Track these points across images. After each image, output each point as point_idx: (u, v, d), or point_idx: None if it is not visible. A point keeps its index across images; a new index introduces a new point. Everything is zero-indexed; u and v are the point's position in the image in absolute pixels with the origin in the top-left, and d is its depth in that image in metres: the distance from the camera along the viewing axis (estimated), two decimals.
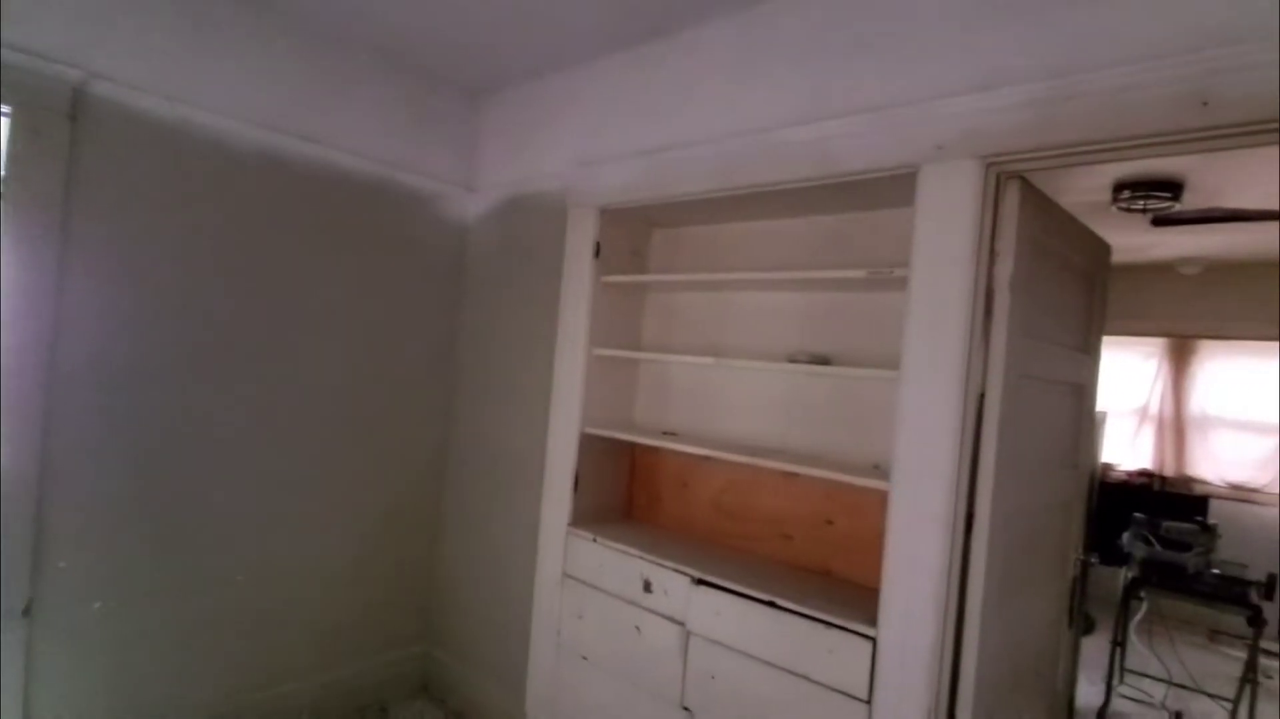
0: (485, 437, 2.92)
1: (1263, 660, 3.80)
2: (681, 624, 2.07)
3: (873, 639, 1.71)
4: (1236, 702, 2.93)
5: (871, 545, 1.77)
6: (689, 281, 2.39)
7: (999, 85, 1.55)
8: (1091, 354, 2.14)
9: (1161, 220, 3.53)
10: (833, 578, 2.11)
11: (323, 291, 2.59)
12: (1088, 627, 3.90)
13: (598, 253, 2.45)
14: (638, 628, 2.18)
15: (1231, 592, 2.91)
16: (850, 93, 1.82)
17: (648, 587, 2.16)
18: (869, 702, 1.71)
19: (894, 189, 1.79)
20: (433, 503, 3.05)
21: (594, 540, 2.35)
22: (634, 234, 2.60)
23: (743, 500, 2.37)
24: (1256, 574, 3.00)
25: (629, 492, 2.69)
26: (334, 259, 2.61)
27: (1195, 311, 4.66)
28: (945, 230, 1.61)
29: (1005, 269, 1.60)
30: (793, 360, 2.12)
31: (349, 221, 2.64)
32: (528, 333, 2.73)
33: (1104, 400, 4.84)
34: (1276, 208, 3.36)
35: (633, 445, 2.65)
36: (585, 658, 2.35)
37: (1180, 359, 4.84)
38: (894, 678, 1.67)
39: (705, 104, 2.16)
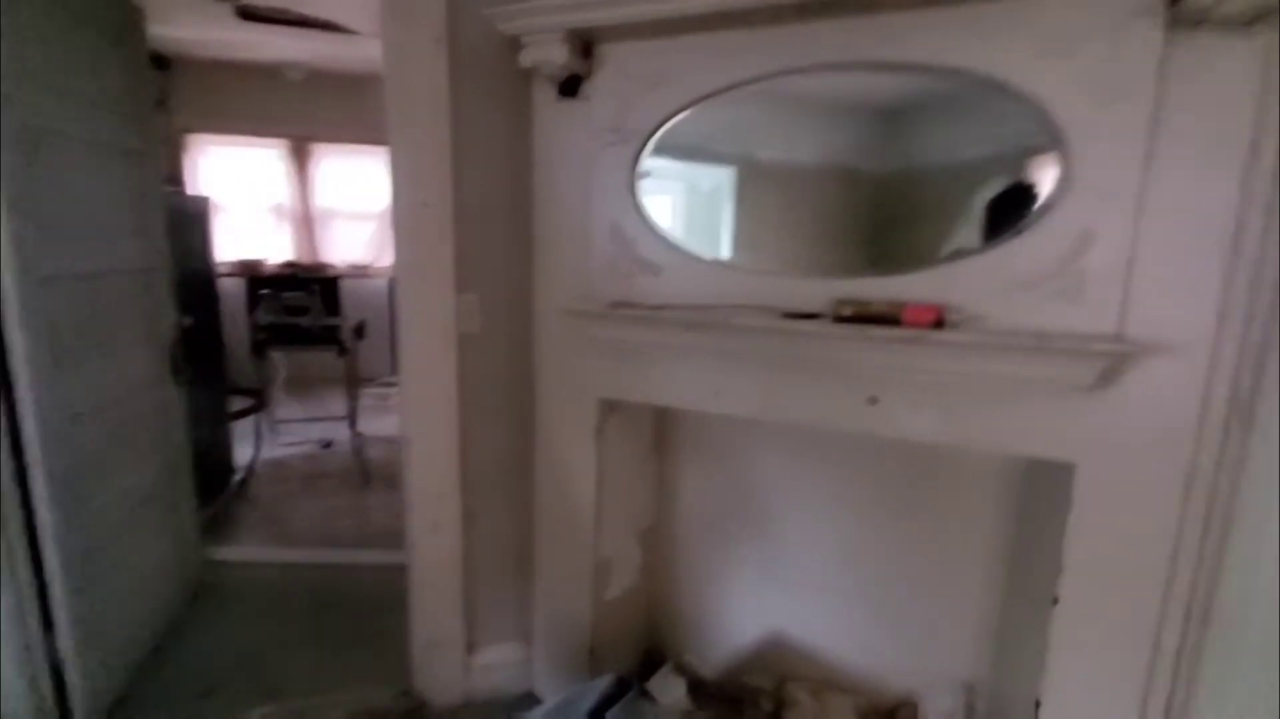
0: None
1: (378, 390, 5.17)
2: None
3: None
4: (350, 415, 3.92)
5: None
6: None
7: None
8: (141, 121, 2.18)
9: (246, 14, 3.76)
10: None
11: None
12: (260, 404, 4.41)
13: None
14: None
15: (329, 337, 3.77)
16: None
17: None
18: None
19: None
20: None
21: None
22: None
23: None
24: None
25: None
26: None
27: (306, 115, 5.35)
28: None
29: None
30: None
31: None
32: None
33: (237, 196, 5.23)
34: (341, 22, 4.03)
35: None
36: None
37: (302, 159, 5.55)
38: None
39: None
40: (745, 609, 2.12)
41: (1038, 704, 1.45)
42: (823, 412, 1.54)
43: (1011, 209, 1.34)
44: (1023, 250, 1.29)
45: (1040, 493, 1.58)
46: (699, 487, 2.13)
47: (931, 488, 1.79)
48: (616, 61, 1.59)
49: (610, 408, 1.84)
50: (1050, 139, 1.24)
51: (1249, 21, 1.06)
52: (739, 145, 1.67)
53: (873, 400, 1.48)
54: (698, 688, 2.05)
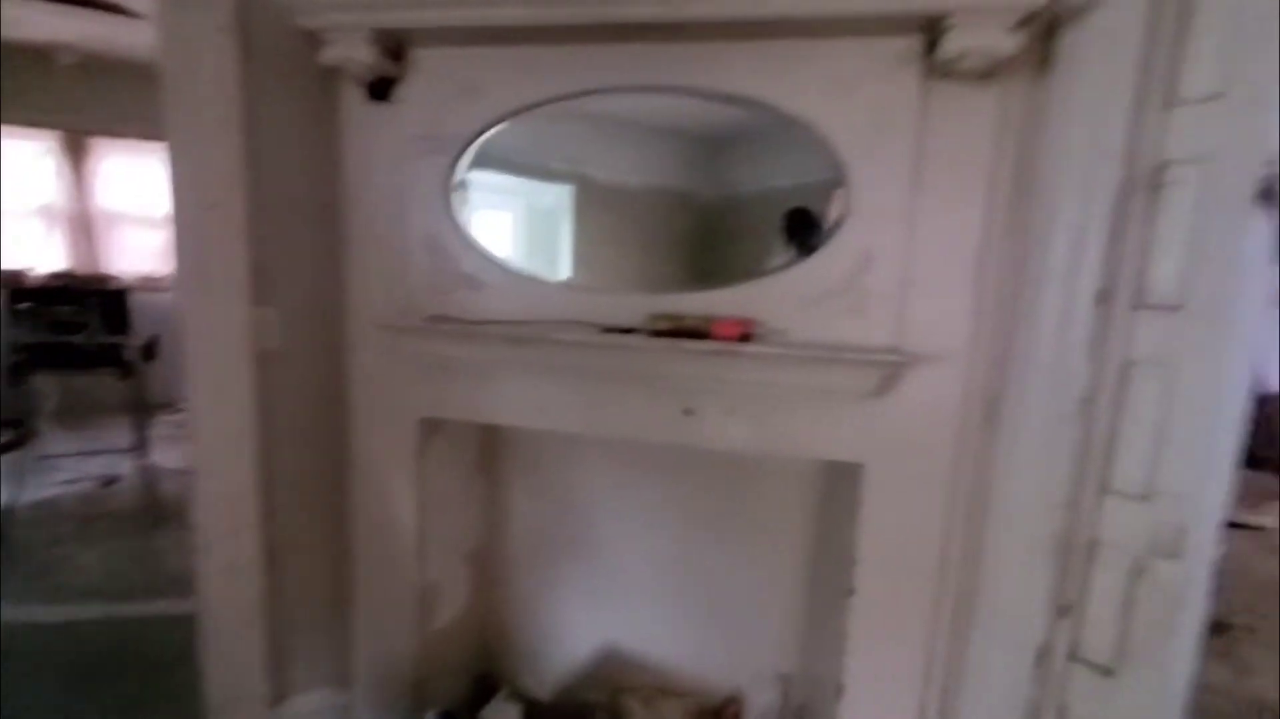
0: None
1: (175, 417, 4.58)
2: None
3: None
4: (137, 446, 3.44)
5: None
6: None
7: None
8: None
9: None
10: None
11: None
12: (22, 437, 3.75)
13: None
14: None
15: (109, 357, 3.30)
16: None
17: None
18: None
19: None
20: None
21: None
22: None
23: None
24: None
25: None
26: None
27: (82, 105, 4.66)
28: None
29: None
30: None
31: None
32: None
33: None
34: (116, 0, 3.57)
35: None
36: None
37: (79, 155, 4.82)
38: None
39: None
40: (580, 624, 2.10)
41: (841, 690, 1.56)
42: (643, 424, 1.57)
43: (807, 232, 1.46)
44: (817, 270, 1.40)
45: (839, 493, 1.71)
46: (530, 503, 2.09)
47: (748, 492, 1.88)
48: (431, 67, 1.54)
49: (432, 427, 1.76)
50: (835, 169, 1.36)
51: (985, 75, 1.23)
52: (573, 164, 1.68)
53: (689, 411, 1.53)
54: (533, 712, 2.00)
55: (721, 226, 1.64)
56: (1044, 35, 1.21)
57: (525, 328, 1.53)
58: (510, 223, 1.71)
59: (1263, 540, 3.33)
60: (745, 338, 1.39)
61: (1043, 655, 1.33)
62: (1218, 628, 2.48)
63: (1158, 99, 1.13)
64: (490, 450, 2.06)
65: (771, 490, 1.85)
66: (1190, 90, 1.12)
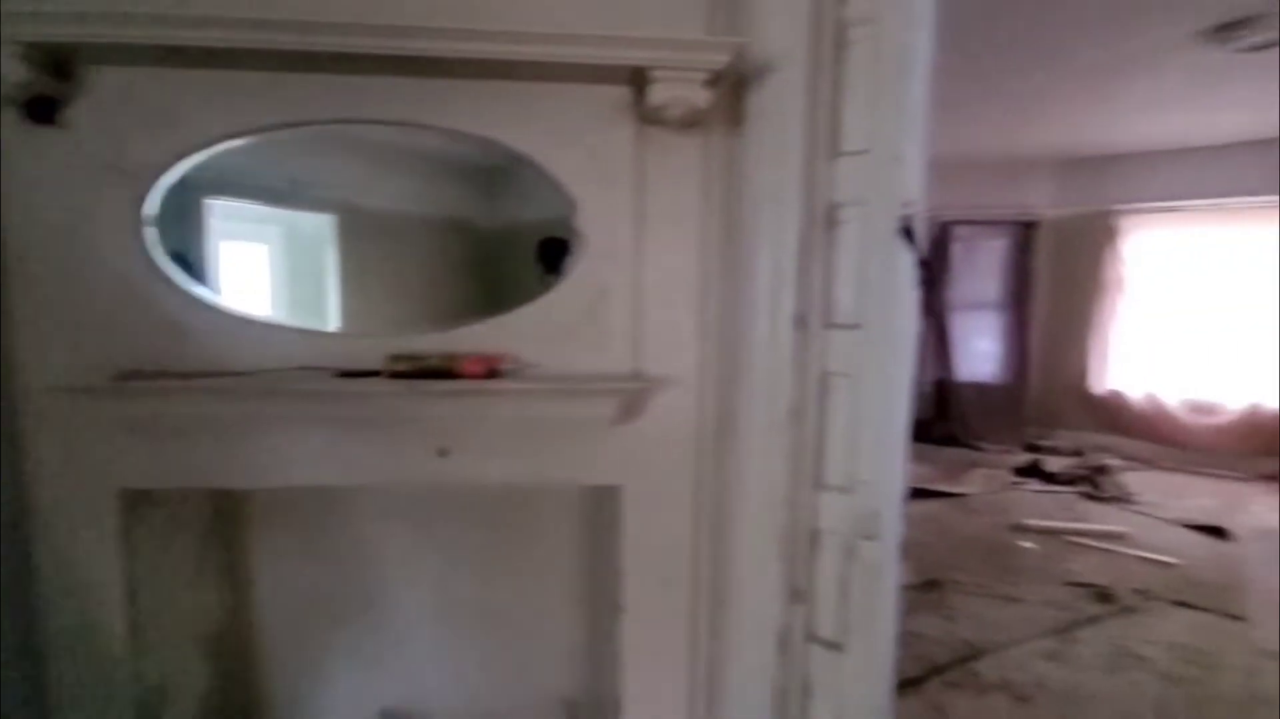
0: None
1: None
2: None
3: None
4: None
5: None
6: None
7: None
8: None
9: None
10: None
11: None
12: None
13: None
14: None
15: None
16: None
17: None
18: None
19: None
20: None
21: None
22: None
23: None
24: None
25: None
26: None
27: None
28: None
29: None
30: None
31: None
32: None
33: None
34: None
35: None
36: None
37: None
38: None
39: None
40: (353, 692, 1.93)
41: (619, 706, 1.60)
42: (396, 469, 1.50)
43: (565, 261, 1.49)
44: (560, 303, 1.45)
45: (604, 514, 1.77)
46: (285, 570, 1.88)
47: (518, 523, 1.87)
48: (110, 88, 1.33)
49: (140, 498, 1.51)
50: (569, 209, 1.41)
51: (690, 124, 1.37)
52: (334, 191, 1.57)
53: (443, 452, 1.48)
54: None
55: (482, 259, 1.63)
56: (735, 92, 1.37)
57: (247, 379, 1.38)
58: (266, 256, 1.56)
59: (963, 505, 4.03)
60: (493, 374, 1.38)
61: (784, 640, 1.48)
62: (929, 584, 2.95)
63: (825, 151, 1.33)
64: (228, 515, 1.82)
65: (540, 519, 1.86)
66: (847, 145, 1.33)
